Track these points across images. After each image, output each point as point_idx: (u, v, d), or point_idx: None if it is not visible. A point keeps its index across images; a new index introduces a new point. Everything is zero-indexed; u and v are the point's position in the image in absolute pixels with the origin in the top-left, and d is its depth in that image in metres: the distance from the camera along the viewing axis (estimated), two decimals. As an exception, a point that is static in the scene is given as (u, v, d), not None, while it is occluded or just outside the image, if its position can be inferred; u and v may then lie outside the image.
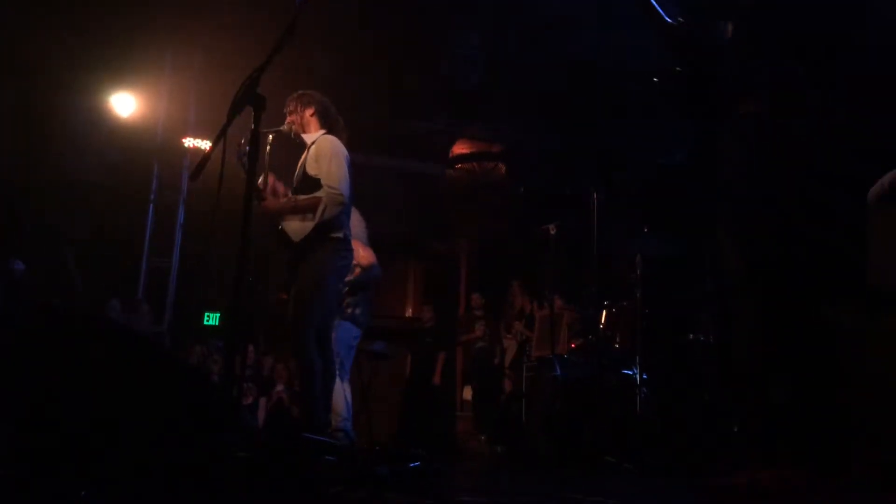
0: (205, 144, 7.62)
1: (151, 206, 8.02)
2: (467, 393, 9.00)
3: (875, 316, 3.06)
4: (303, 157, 4.05)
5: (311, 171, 3.90)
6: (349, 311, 5.00)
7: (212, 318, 9.44)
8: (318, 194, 3.81)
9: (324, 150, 3.91)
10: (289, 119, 4.08)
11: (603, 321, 5.06)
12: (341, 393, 4.57)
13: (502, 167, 9.65)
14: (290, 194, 4.04)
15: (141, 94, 7.58)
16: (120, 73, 7.38)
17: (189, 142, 7.67)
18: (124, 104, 7.52)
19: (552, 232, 5.43)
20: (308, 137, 4.08)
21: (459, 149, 9.58)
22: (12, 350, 1.51)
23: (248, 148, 2.16)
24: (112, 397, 1.55)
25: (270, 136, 4.23)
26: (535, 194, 8.91)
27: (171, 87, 7.85)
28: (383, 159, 8.21)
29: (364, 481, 1.85)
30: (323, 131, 4.06)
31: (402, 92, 7.88)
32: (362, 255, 4.72)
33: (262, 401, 8.38)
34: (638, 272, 4.85)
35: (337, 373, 4.52)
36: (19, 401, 1.52)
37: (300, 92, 4.18)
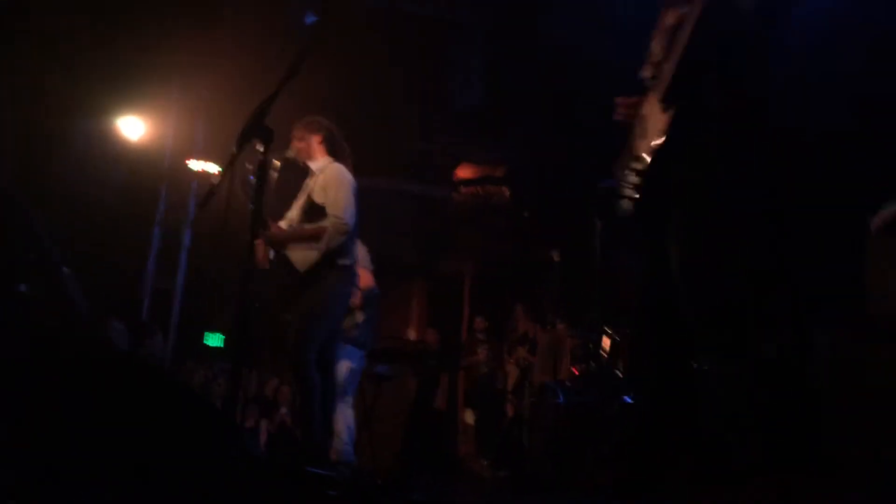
0: (212, 167, 7.67)
1: (157, 228, 8.06)
2: (469, 417, 8.97)
3: (873, 344, 3.07)
4: (310, 184, 4.09)
5: (318, 199, 3.94)
6: (352, 333, 5.03)
7: (213, 339, 9.45)
8: (323, 223, 3.84)
9: (331, 179, 3.95)
10: (297, 146, 4.11)
11: (606, 348, 5.06)
12: (343, 416, 4.60)
13: (506, 191, 9.69)
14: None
15: (149, 118, 7.65)
16: (127, 97, 7.45)
17: (196, 165, 7.72)
18: (132, 127, 7.59)
19: (556, 259, 5.45)
20: (315, 165, 4.12)
21: (463, 172, 9.62)
22: (13, 376, 1.53)
23: (251, 178, 2.19)
24: (110, 425, 1.56)
25: (278, 163, 4.28)
26: (539, 218, 8.94)
27: (179, 110, 7.92)
28: (387, 181, 8.25)
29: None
30: (330, 159, 4.10)
31: (405, 114, 7.95)
32: (361, 277, 4.76)
33: (264, 423, 8.36)
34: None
35: (339, 396, 4.55)
36: (17, 428, 1.53)
37: (308, 119, 4.22)
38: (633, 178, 2.54)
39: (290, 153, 4.30)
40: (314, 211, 3.92)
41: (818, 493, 2.26)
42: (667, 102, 2.46)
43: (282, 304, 4.13)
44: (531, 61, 7.31)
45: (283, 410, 8.52)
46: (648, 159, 2.50)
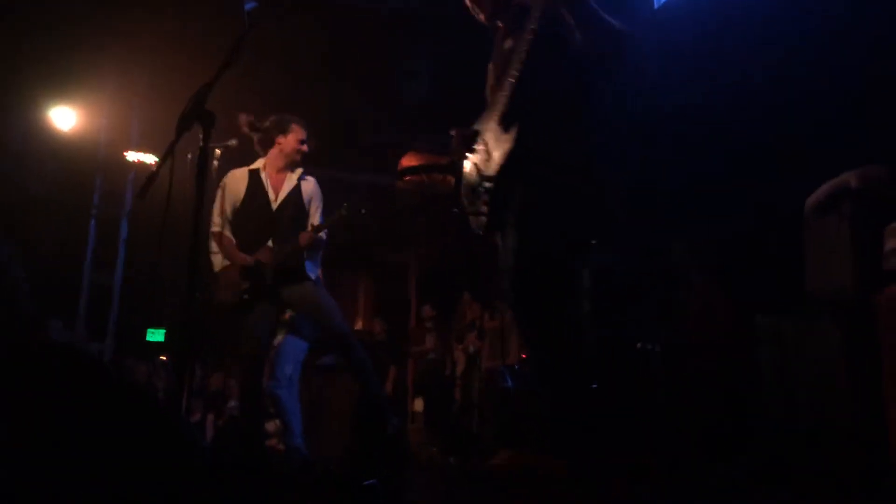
0: (149, 158, 7.48)
1: (93, 220, 7.83)
2: (418, 405, 8.99)
3: (810, 321, 3.16)
4: (286, 188, 4.16)
5: (306, 205, 4.18)
6: (294, 324, 5.01)
7: (156, 335, 9.25)
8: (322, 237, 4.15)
9: (317, 194, 4.24)
10: (306, 149, 4.24)
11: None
12: (289, 408, 4.57)
13: (451, 179, 9.68)
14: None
15: (82, 108, 7.42)
16: (59, 87, 7.21)
17: (133, 156, 7.52)
18: (64, 118, 7.35)
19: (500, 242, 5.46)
20: (295, 169, 4.23)
21: (408, 161, 9.56)
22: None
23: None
24: (50, 419, 1.51)
25: (218, 151, 4.24)
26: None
27: (113, 101, 7.69)
28: (332, 171, 8.17)
29: (318, 500, 1.84)
30: (301, 170, 4.25)
31: (352, 105, 7.87)
32: None
33: (210, 417, 8.24)
34: (586, 284, 4.91)
35: (288, 388, 4.53)
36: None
37: (289, 116, 4.30)
38: (483, 199, 2.60)
39: (233, 142, 4.26)
40: (302, 214, 4.14)
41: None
42: (506, 124, 2.52)
43: (242, 301, 4.02)
44: (480, 54, 7.31)
45: (232, 404, 8.40)
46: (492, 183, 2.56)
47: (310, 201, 4.21)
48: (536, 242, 2.46)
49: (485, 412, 5.54)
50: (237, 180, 4.19)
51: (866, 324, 2.64)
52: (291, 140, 4.20)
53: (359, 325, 11.73)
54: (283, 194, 4.16)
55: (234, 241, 4.10)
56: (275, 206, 4.13)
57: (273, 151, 4.21)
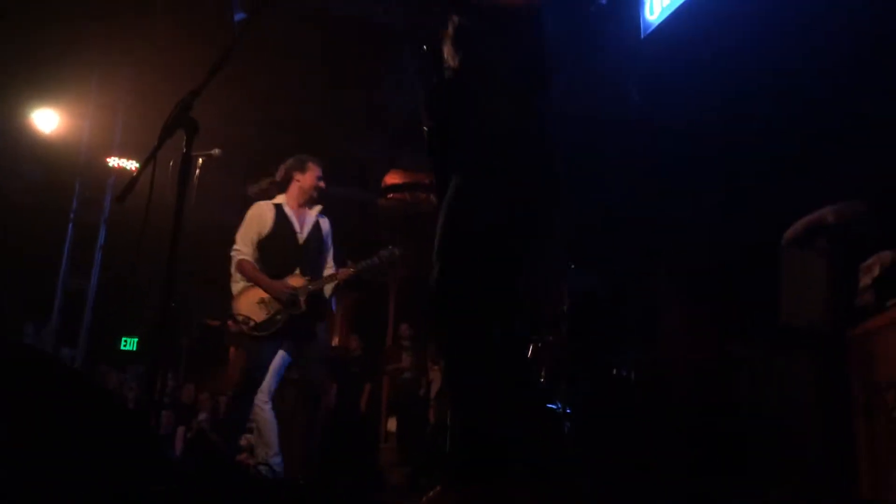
0: (131, 164, 7.43)
1: (71, 225, 7.74)
2: (392, 424, 8.92)
3: (784, 352, 3.19)
4: (309, 223, 4.46)
5: (325, 242, 4.53)
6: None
7: (129, 344, 9.14)
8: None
9: (330, 234, 4.57)
10: (323, 186, 4.52)
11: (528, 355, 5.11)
12: (273, 425, 4.55)
13: (433, 198, 9.69)
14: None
15: (65, 111, 7.36)
16: (42, 89, 7.16)
17: (114, 161, 7.47)
18: (46, 120, 7.29)
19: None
20: (313, 206, 4.53)
21: (392, 178, 9.60)
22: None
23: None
24: (17, 422, 1.49)
25: (200, 160, 4.31)
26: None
27: (97, 105, 7.64)
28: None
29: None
30: (320, 207, 4.56)
31: (338, 118, 7.89)
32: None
33: (181, 430, 8.13)
34: (564, 308, 4.93)
35: (269, 404, 4.53)
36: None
37: (306, 156, 4.58)
38: None
39: (215, 152, 4.34)
40: (323, 249, 4.51)
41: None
42: None
43: (272, 322, 4.28)
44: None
45: (202, 417, 8.30)
46: None
47: (327, 238, 4.55)
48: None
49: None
50: (264, 211, 4.44)
51: (838, 357, 2.67)
52: (309, 177, 4.47)
53: (335, 342, 11.67)
54: (307, 228, 4.47)
55: (252, 266, 4.38)
56: (301, 239, 4.43)
57: (292, 188, 4.49)
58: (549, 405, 4.79)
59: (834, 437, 2.81)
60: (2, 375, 1.56)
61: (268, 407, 4.54)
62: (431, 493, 2.09)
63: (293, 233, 4.41)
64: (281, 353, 4.57)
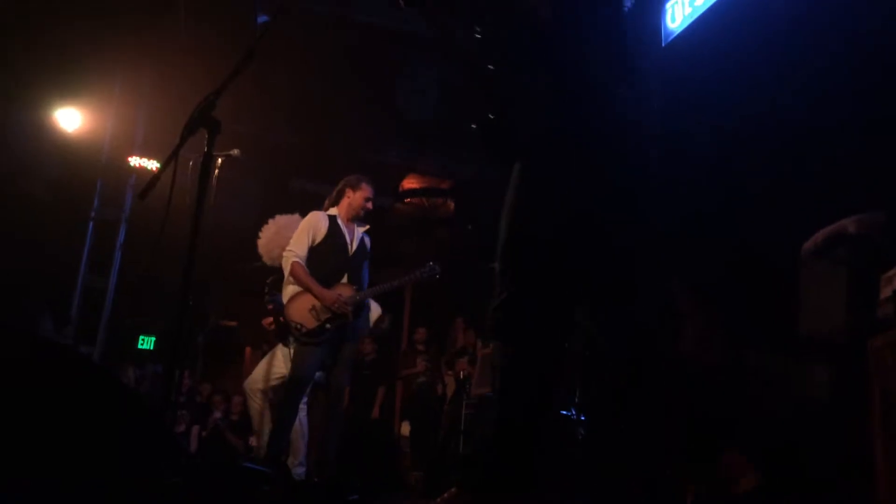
0: (152, 164, 7.49)
1: (91, 223, 7.82)
2: (405, 428, 8.92)
3: (801, 363, 3.16)
4: (357, 238, 4.73)
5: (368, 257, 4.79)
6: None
7: (146, 342, 9.19)
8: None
9: (370, 250, 4.84)
10: (370, 207, 4.83)
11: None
12: (304, 433, 4.62)
13: (451, 203, 9.71)
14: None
15: (87, 110, 7.43)
16: (66, 87, 7.23)
17: (135, 160, 7.53)
18: (69, 119, 7.36)
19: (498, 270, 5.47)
20: (359, 223, 4.81)
21: (409, 183, 9.62)
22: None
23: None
24: (41, 415, 1.50)
25: (220, 160, 4.37)
26: (483, 232, 8.97)
27: (120, 105, 7.71)
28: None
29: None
30: (367, 227, 4.87)
31: (354, 122, 7.91)
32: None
33: (196, 429, 8.17)
34: (579, 316, 4.90)
35: (304, 411, 4.64)
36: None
37: (363, 176, 4.92)
38: None
39: (235, 152, 4.39)
40: (366, 263, 4.77)
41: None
42: None
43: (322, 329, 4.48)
44: (486, 76, 7.36)
45: (217, 416, 8.33)
46: None
47: (369, 254, 4.83)
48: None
49: (472, 438, 5.50)
50: (320, 220, 4.72)
51: (858, 369, 2.64)
52: (359, 196, 4.78)
53: (350, 345, 11.68)
54: (356, 242, 4.74)
55: (306, 270, 4.61)
56: (351, 250, 4.69)
57: (343, 203, 4.79)
58: (563, 412, 4.77)
59: (851, 450, 2.78)
60: (25, 370, 1.58)
61: (303, 414, 4.61)
62: (446, 495, 2.10)
63: (344, 244, 4.66)
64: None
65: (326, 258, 4.58)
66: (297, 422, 4.56)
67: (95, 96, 7.41)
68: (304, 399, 4.63)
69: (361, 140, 8.16)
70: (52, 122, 7.27)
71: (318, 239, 4.60)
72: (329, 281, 4.49)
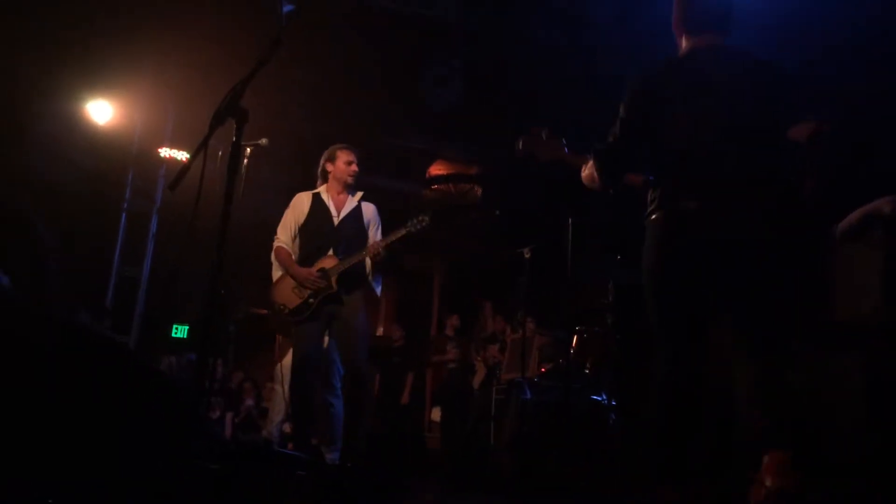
0: (181, 155, 7.57)
1: (124, 214, 7.93)
2: (436, 414, 8.97)
3: (837, 347, 3.12)
4: (348, 208, 4.60)
5: (366, 226, 4.61)
6: None
7: (180, 331, 9.33)
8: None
9: (375, 218, 4.67)
10: (357, 169, 4.65)
11: (574, 346, 5.08)
12: (338, 419, 4.58)
13: (478, 189, 9.71)
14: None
15: (118, 102, 7.52)
16: (97, 81, 7.32)
17: (165, 152, 7.62)
18: (101, 111, 7.46)
19: (526, 255, 5.47)
20: (355, 193, 4.69)
21: (436, 170, 9.62)
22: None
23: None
24: (78, 401, 1.53)
25: (248, 150, 4.40)
26: (511, 217, 8.96)
27: (150, 97, 7.79)
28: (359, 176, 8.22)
29: (333, 498, 1.85)
30: (362, 193, 4.70)
31: (380, 110, 7.91)
32: None
33: (229, 415, 8.28)
34: (610, 298, 4.89)
35: (340, 398, 4.60)
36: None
37: (335, 145, 4.72)
38: None
39: (263, 141, 4.40)
40: (361, 232, 4.56)
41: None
42: None
43: (306, 305, 4.42)
44: (511, 63, 7.33)
45: (250, 403, 8.44)
46: None
47: (369, 223, 4.62)
48: None
49: (501, 424, 5.51)
50: (302, 201, 4.65)
51: (893, 350, 2.60)
52: (339, 165, 4.63)
53: (379, 331, 11.75)
54: (344, 212, 4.59)
55: (292, 255, 4.56)
56: (336, 221, 4.56)
57: (330, 178, 4.67)
58: (595, 397, 4.77)
59: (888, 435, 2.74)
60: (63, 359, 1.62)
61: (336, 402, 4.57)
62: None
63: (329, 216, 4.56)
64: (333, 342, 4.62)
65: (311, 235, 4.54)
66: (331, 406, 4.56)
67: (126, 89, 7.50)
68: (338, 384, 4.61)
69: (387, 128, 8.17)
70: (84, 114, 7.37)
71: (302, 219, 4.58)
72: (315, 256, 4.46)
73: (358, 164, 4.65)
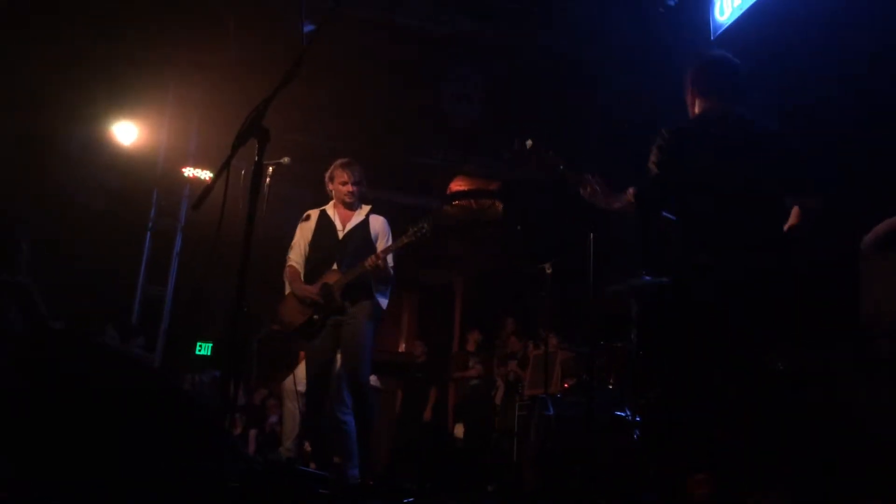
0: (205, 174, 7.66)
1: (149, 234, 8.02)
2: (459, 430, 8.94)
3: (864, 359, 3.08)
4: (354, 221, 4.59)
5: (374, 239, 4.56)
6: None
7: (203, 349, 9.40)
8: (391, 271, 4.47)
9: (384, 231, 4.61)
10: (353, 189, 4.60)
11: (597, 361, 5.06)
12: (351, 436, 4.55)
13: (499, 205, 9.71)
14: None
15: (143, 123, 7.63)
16: (122, 102, 7.44)
17: (189, 171, 7.71)
18: (126, 132, 7.58)
19: (548, 271, 5.46)
20: (360, 207, 4.67)
21: (457, 185, 9.64)
22: (12, 369, 1.52)
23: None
24: (106, 420, 1.55)
25: (271, 168, 4.46)
26: (532, 233, 8.94)
27: (173, 117, 7.91)
28: (379, 192, 8.26)
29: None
30: (369, 207, 4.69)
31: (401, 126, 7.96)
32: None
33: (253, 432, 8.32)
34: (633, 313, 4.86)
35: (348, 414, 4.57)
36: (15, 419, 1.52)
37: (358, 165, 4.71)
38: None
39: (285, 160, 4.47)
40: (367, 245, 4.50)
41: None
42: None
43: (311, 322, 4.43)
44: (531, 77, 7.36)
45: (273, 420, 8.47)
46: None
47: (377, 236, 4.57)
48: None
49: (524, 440, 5.49)
50: (311, 218, 4.69)
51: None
52: (337, 185, 4.64)
53: (401, 347, 11.75)
54: (349, 226, 4.59)
55: (299, 272, 4.56)
56: (341, 235, 4.56)
57: (334, 197, 4.70)
58: (618, 413, 4.73)
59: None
60: (88, 377, 1.64)
61: (349, 418, 4.54)
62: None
63: (333, 231, 4.57)
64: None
65: (317, 250, 4.55)
66: (344, 424, 4.54)
67: (150, 110, 7.61)
68: (349, 400, 4.58)
69: (408, 144, 8.22)
70: (110, 136, 7.49)
71: (309, 235, 4.61)
72: (320, 271, 4.46)
73: (358, 182, 4.62)
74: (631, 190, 2.98)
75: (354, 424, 4.46)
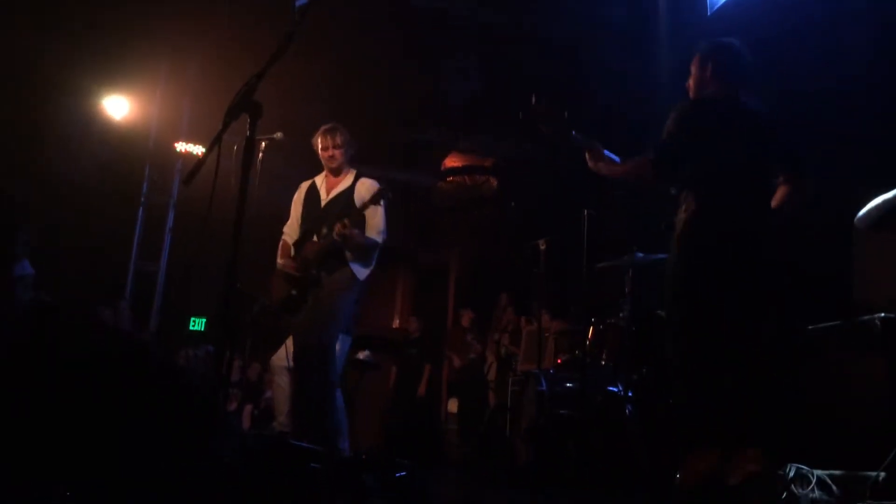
0: (197, 149, 7.62)
1: (141, 209, 7.99)
2: (453, 405, 8.99)
3: (857, 337, 3.09)
4: (338, 189, 4.40)
5: (359, 205, 4.24)
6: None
7: (197, 324, 9.40)
8: (375, 239, 4.25)
9: (373, 194, 4.23)
10: (335, 152, 4.38)
11: (590, 337, 5.07)
12: (341, 411, 4.51)
13: (493, 181, 9.69)
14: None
15: (134, 97, 7.57)
16: (113, 76, 7.37)
17: (181, 146, 7.66)
18: (117, 107, 7.51)
19: (542, 247, 5.45)
20: (346, 173, 4.46)
21: (451, 162, 9.61)
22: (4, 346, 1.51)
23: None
24: (99, 397, 1.55)
25: (264, 143, 4.40)
26: (526, 209, 8.94)
27: (165, 91, 7.85)
28: (373, 168, 8.22)
29: (349, 489, 1.86)
30: (355, 171, 4.48)
31: (396, 103, 7.91)
32: None
33: (248, 407, 8.33)
34: (627, 290, 4.87)
35: (340, 387, 4.51)
36: (7, 397, 1.52)
37: (343, 129, 4.49)
38: None
39: (278, 135, 4.41)
40: (357, 215, 4.19)
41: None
42: None
43: (291, 298, 4.31)
44: (526, 56, 7.31)
45: (269, 395, 8.48)
46: None
47: (363, 201, 4.24)
48: None
49: (517, 415, 5.51)
50: (301, 190, 4.59)
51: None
52: (320, 152, 4.45)
53: (395, 323, 11.77)
54: (333, 193, 4.42)
55: (289, 246, 4.45)
56: (323, 203, 4.40)
57: (324, 166, 4.54)
58: (611, 388, 4.75)
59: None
60: (79, 353, 1.63)
61: (337, 391, 4.49)
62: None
63: (318, 201, 4.45)
64: (343, 336, 4.58)
65: (305, 221, 4.44)
66: (336, 401, 4.48)
67: (142, 84, 7.55)
68: (335, 377, 4.52)
69: (404, 120, 8.17)
70: (101, 109, 7.42)
71: (301, 207, 4.52)
72: (304, 242, 4.35)
73: (340, 146, 4.39)
74: (646, 157, 3.04)
75: (341, 398, 4.39)
